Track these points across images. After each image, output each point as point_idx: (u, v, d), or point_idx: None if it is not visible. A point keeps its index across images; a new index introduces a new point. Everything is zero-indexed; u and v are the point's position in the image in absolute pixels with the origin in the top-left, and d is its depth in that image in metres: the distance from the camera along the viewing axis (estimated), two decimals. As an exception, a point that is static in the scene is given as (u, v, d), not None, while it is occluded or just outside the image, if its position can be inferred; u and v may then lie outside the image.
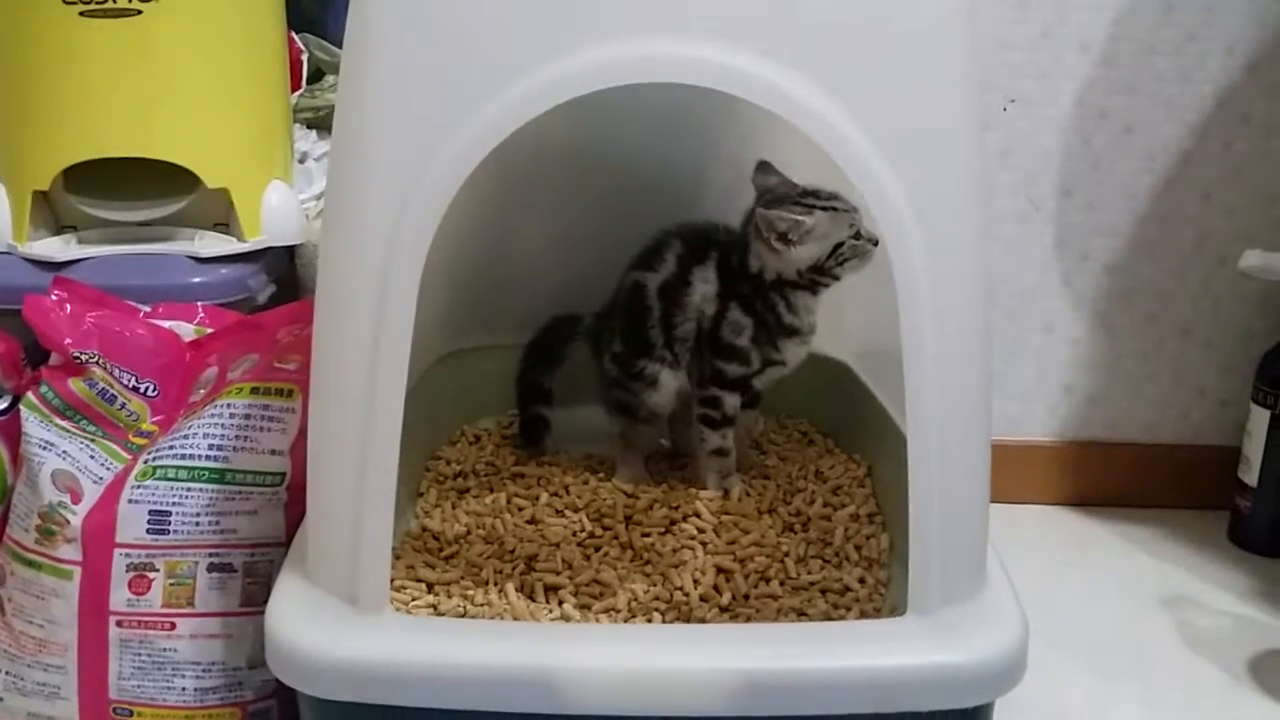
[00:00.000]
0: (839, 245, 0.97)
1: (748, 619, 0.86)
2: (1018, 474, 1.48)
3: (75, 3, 1.06)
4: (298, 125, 1.41)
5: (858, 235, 0.96)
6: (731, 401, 1.03)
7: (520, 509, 1.01)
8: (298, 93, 1.44)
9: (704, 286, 1.01)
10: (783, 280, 0.99)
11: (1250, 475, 1.41)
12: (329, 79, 1.51)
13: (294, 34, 1.43)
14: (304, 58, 1.48)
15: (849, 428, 1.16)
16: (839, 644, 0.75)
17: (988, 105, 1.38)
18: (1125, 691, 1.14)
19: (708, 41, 0.71)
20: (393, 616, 0.77)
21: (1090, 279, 1.45)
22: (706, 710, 0.71)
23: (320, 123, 1.46)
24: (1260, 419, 1.39)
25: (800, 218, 0.96)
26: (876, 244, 0.96)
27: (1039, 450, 1.51)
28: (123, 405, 0.96)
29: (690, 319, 1.02)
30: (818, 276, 0.99)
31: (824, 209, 0.97)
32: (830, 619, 0.86)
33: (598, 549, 0.95)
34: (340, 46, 0.78)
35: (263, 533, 0.92)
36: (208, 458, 0.91)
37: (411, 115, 0.73)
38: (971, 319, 0.76)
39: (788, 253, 0.97)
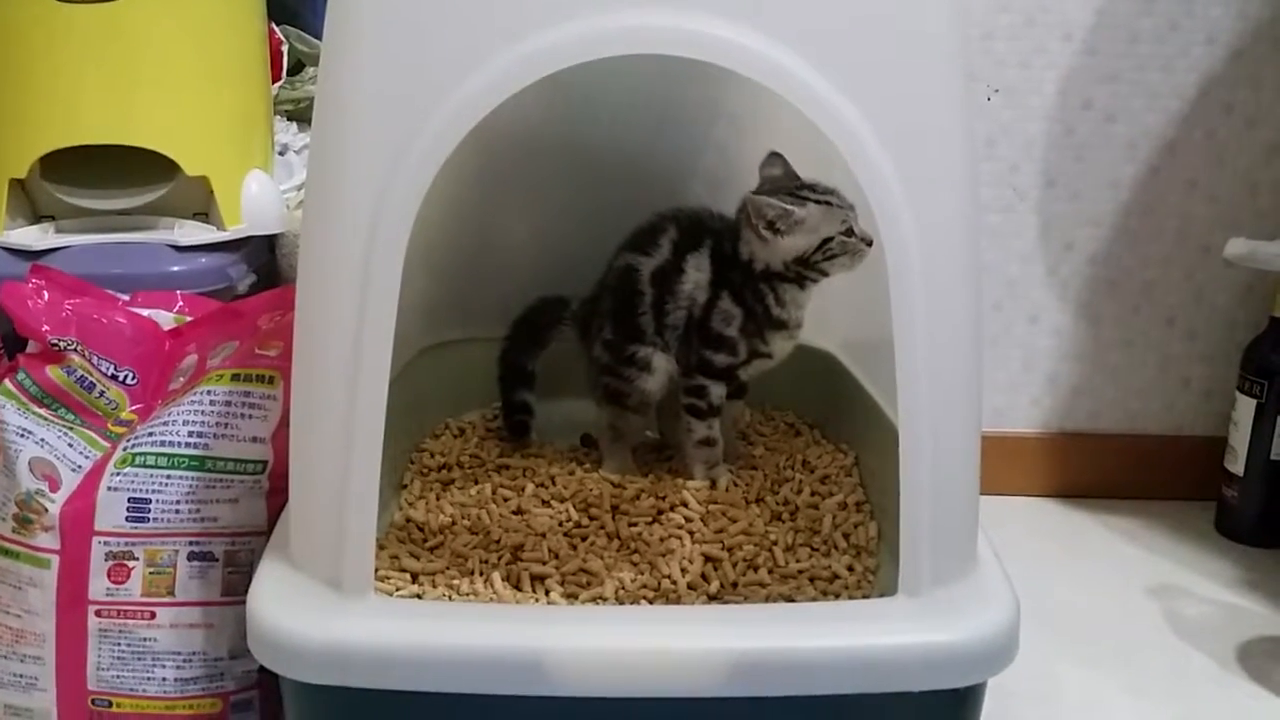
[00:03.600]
0: (827, 240, 0.95)
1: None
2: (1002, 466, 1.48)
3: (52, -13, 1.05)
4: (278, 117, 1.40)
5: (849, 233, 0.95)
6: (717, 391, 1.02)
7: (506, 499, 1.00)
8: (278, 84, 1.44)
9: (697, 274, 1.01)
10: (770, 271, 0.98)
11: (1236, 465, 1.41)
12: (309, 71, 1.50)
13: (274, 26, 1.43)
14: (284, 49, 1.47)
15: (836, 418, 1.15)
16: (830, 624, 0.74)
17: (972, 95, 1.38)
18: (1114, 679, 1.14)
19: (689, 12, 0.70)
20: (377, 599, 0.76)
21: (1074, 269, 1.46)
22: (697, 691, 0.70)
23: (301, 115, 1.46)
24: (1246, 408, 1.39)
25: (789, 207, 0.95)
26: (870, 244, 0.95)
27: (1024, 442, 1.51)
28: (101, 393, 0.95)
29: (682, 307, 1.01)
30: (804, 270, 0.97)
31: (817, 202, 0.96)
32: (819, 606, 0.86)
33: (584, 538, 0.94)
34: (320, 39, 0.77)
35: (244, 521, 0.90)
36: (188, 445, 0.90)
37: (392, 97, 0.72)
38: (962, 296, 0.76)
39: (775, 242, 0.96)
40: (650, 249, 1.02)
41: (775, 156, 1.01)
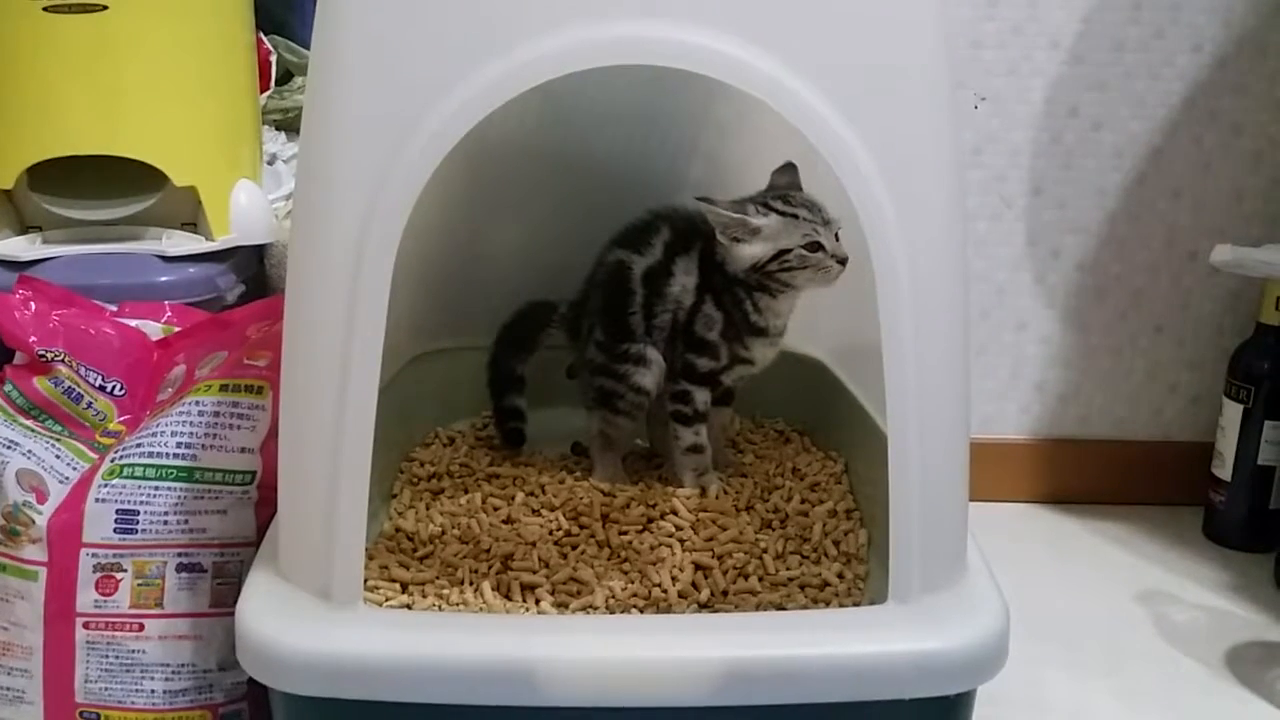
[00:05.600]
0: (784, 252, 0.95)
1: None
2: (991, 473, 1.48)
3: (40, -3, 1.05)
4: (267, 127, 1.40)
5: (814, 248, 0.94)
6: (701, 397, 1.02)
7: (496, 508, 1.00)
8: (266, 94, 1.43)
9: (684, 278, 1.01)
10: (737, 277, 0.98)
11: (1224, 470, 1.41)
12: (297, 80, 1.50)
13: (263, 36, 1.42)
14: (272, 59, 1.47)
15: (825, 425, 1.15)
16: (820, 632, 0.74)
17: (958, 103, 1.39)
18: (1103, 685, 1.14)
19: (678, 22, 0.70)
20: (366, 610, 0.75)
21: (1062, 276, 1.46)
22: (688, 700, 0.70)
23: (289, 124, 1.45)
24: (1233, 414, 1.39)
25: (733, 214, 0.95)
26: (844, 263, 0.94)
27: (1012, 449, 1.51)
28: (89, 404, 0.95)
29: (669, 309, 1.01)
30: (763, 279, 0.97)
31: (782, 214, 0.96)
32: (809, 613, 0.85)
33: (574, 547, 0.94)
34: (308, 49, 0.77)
35: (232, 532, 0.90)
36: (176, 456, 0.89)
37: (379, 107, 0.72)
38: (950, 304, 0.76)
39: (733, 248, 0.97)
40: (643, 248, 1.02)
41: (789, 166, 1.01)
